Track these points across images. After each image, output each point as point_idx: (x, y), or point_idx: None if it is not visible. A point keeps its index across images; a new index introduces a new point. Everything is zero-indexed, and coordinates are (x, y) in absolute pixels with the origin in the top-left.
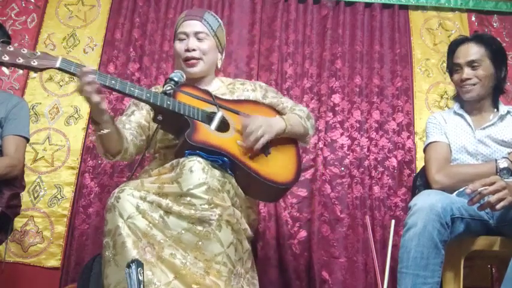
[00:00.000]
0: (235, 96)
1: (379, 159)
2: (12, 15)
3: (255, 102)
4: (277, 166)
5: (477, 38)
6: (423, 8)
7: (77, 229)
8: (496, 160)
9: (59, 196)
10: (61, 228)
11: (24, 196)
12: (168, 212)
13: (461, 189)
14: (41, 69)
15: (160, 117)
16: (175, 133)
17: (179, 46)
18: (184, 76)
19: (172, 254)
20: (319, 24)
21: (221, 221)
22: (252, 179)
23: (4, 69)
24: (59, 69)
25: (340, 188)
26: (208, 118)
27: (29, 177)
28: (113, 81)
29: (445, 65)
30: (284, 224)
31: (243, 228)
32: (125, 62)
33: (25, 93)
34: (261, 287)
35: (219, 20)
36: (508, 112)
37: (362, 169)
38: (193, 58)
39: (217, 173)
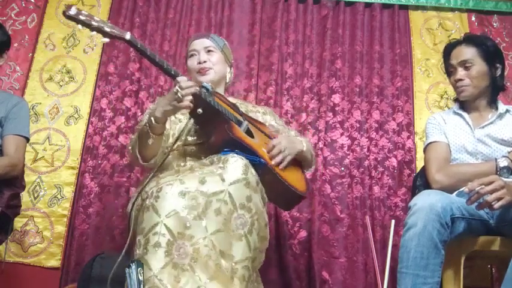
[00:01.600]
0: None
1: (379, 159)
2: (12, 15)
3: (266, 126)
4: (294, 177)
5: (468, 39)
6: (423, 8)
7: (77, 229)
8: (495, 159)
9: (59, 196)
10: (61, 228)
11: (24, 196)
12: (206, 208)
13: (461, 189)
14: (112, 36)
15: (200, 111)
16: (208, 129)
17: (191, 62)
18: (213, 88)
19: (207, 255)
20: (319, 24)
21: (253, 227)
22: (277, 184)
23: (79, 26)
24: (129, 42)
25: (340, 188)
26: (238, 123)
27: (29, 177)
28: (169, 67)
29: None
30: (284, 224)
31: (266, 236)
32: (125, 62)
33: (25, 93)
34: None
35: (224, 40)
36: (507, 111)
37: (362, 169)
38: (204, 68)
39: (253, 171)
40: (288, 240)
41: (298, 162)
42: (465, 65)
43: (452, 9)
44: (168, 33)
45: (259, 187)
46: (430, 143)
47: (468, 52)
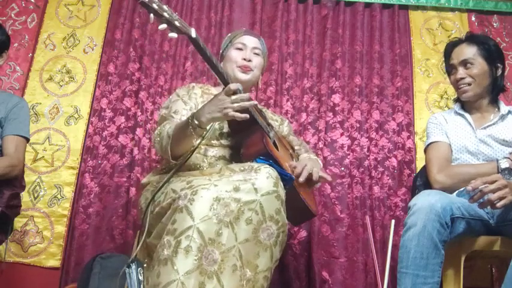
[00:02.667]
0: None
1: (379, 159)
2: (12, 15)
3: (284, 137)
4: (309, 196)
5: (469, 38)
6: (423, 8)
7: (77, 229)
8: (497, 160)
9: (59, 196)
10: (61, 228)
11: (24, 196)
12: (238, 216)
13: (461, 189)
14: (180, 32)
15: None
16: (242, 136)
17: (236, 54)
18: (241, 89)
19: (234, 265)
20: (319, 24)
21: (278, 238)
22: (297, 201)
23: (151, 16)
24: (193, 40)
25: (340, 188)
26: (268, 133)
27: (29, 177)
28: (222, 71)
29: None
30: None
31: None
32: (125, 62)
33: (25, 93)
34: None
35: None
36: (509, 112)
37: (362, 169)
38: (248, 66)
39: (282, 185)
40: (288, 240)
41: (309, 182)
42: (466, 64)
43: (452, 9)
44: (168, 33)
45: (284, 201)
46: (431, 142)
47: (469, 51)
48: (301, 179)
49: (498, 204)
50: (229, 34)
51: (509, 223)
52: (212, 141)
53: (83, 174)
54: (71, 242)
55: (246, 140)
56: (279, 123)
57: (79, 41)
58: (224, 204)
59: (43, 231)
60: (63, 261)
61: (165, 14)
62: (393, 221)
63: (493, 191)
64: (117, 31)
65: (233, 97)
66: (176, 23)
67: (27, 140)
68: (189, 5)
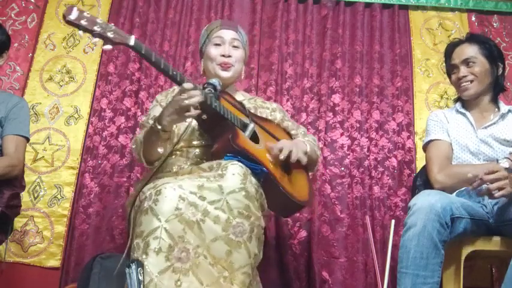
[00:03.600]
0: (258, 113)
1: (379, 159)
2: (12, 15)
3: (274, 123)
4: (296, 185)
5: (470, 38)
6: (423, 8)
7: (77, 229)
8: (497, 160)
9: (59, 196)
10: (61, 228)
11: (24, 196)
12: (205, 214)
13: (461, 189)
14: (115, 43)
15: (205, 117)
16: (213, 134)
17: (215, 51)
18: (221, 84)
19: (204, 263)
20: (319, 24)
21: (252, 233)
22: (278, 192)
23: (80, 32)
24: (132, 47)
25: (340, 188)
26: (244, 127)
27: (29, 177)
28: (174, 72)
29: (445, 65)
30: (284, 224)
31: (263, 240)
32: (125, 62)
33: (25, 93)
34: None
35: (246, 35)
36: (509, 111)
37: (362, 169)
38: (228, 63)
39: (253, 180)
40: (288, 240)
41: (304, 169)
42: (468, 62)
43: (452, 9)
44: (168, 33)
45: (258, 194)
46: (432, 140)
47: (471, 50)
48: (281, 157)
49: (496, 195)
50: (206, 27)
51: (509, 223)
52: (193, 142)
53: (83, 174)
54: (71, 242)
55: (216, 138)
56: (270, 111)
57: (79, 41)
58: (189, 204)
59: (43, 231)
60: (63, 261)
61: (96, 28)
62: (393, 221)
63: (492, 181)
64: None
65: (180, 96)
66: (109, 34)
67: (27, 139)
68: (189, 5)
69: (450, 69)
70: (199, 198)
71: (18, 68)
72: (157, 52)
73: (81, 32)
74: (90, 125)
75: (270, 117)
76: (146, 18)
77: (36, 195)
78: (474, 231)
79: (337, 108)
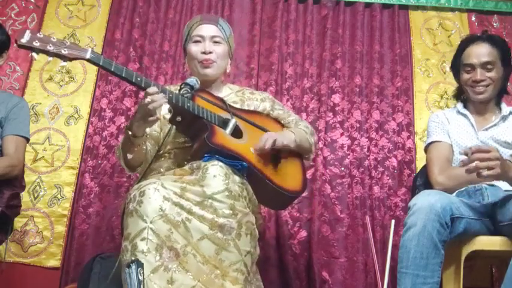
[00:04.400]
0: (246, 105)
1: (379, 159)
2: (12, 15)
3: (263, 114)
4: (287, 176)
5: (490, 38)
6: (423, 8)
7: (77, 229)
8: None
9: (59, 196)
10: (61, 228)
11: (24, 196)
12: (190, 214)
13: (461, 190)
14: (71, 59)
15: (179, 118)
16: (190, 135)
17: (195, 49)
18: (199, 82)
19: (194, 260)
20: (319, 24)
21: (241, 230)
22: (265, 186)
23: (34, 54)
24: (89, 60)
25: (340, 188)
26: (224, 124)
27: (29, 177)
28: (139, 79)
29: (445, 65)
30: (284, 224)
31: (257, 234)
32: (125, 62)
33: (25, 93)
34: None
35: (230, 27)
36: (511, 113)
37: (362, 169)
38: (209, 60)
39: (237, 178)
40: (288, 240)
41: (298, 158)
42: (487, 66)
43: (452, 9)
44: (168, 33)
45: (244, 191)
46: (433, 142)
47: (491, 53)
48: (266, 146)
49: (484, 173)
50: (187, 24)
51: (509, 223)
52: (179, 144)
53: (83, 174)
54: (71, 242)
55: (193, 138)
56: (259, 101)
57: (79, 41)
58: (174, 203)
59: (43, 231)
60: (63, 261)
61: (50, 47)
62: (393, 221)
63: (483, 160)
64: (117, 31)
65: (146, 101)
66: (64, 52)
67: (27, 140)
68: (189, 5)
69: (464, 67)
70: (184, 199)
71: (18, 68)
72: (157, 51)
73: (34, 54)
74: (90, 125)
75: (259, 109)
76: (146, 18)
77: (36, 195)
78: (474, 231)
79: (337, 108)
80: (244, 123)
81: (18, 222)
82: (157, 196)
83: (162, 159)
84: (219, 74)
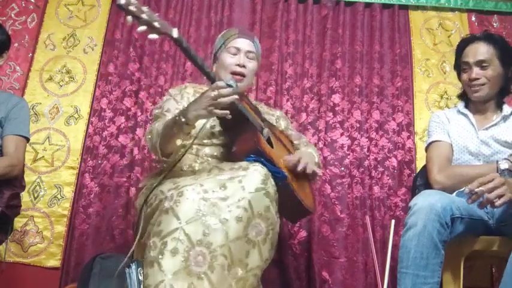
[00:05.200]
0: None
1: (379, 159)
2: (12, 15)
3: (280, 131)
4: (306, 193)
5: (487, 37)
6: (423, 8)
7: (77, 229)
8: (497, 161)
9: (59, 196)
10: (61, 228)
11: (24, 196)
12: (226, 214)
13: (461, 189)
14: (160, 33)
15: (229, 116)
16: (232, 134)
17: (230, 60)
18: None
19: (223, 265)
20: (319, 24)
21: (267, 236)
22: (291, 198)
23: (129, 18)
24: (175, 40)
25: (340, 188)
26: (261, 130)
27: (29, 177)
28: (208, 70)
29: (445, 65)
30: (284, 224)
31: (275, 246)
32: (125, 62)
33: (25, 93)
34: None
35: (260, 47)
36: None
37: (362, 169)
38: (241, 74)
39: (273, 182)
40: (288, 240)
41: (306, 177)
42: (482, 64)
43: (452, 9)
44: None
45: (275, 198)
46: (433, 142)
47: (486, 51)
48: (299, 168)
49: (497, 203)
50: (223, 33)
51: (509, 223)
52: (204, 141)
53: (83, 174)
54: (71, 242)
55: (237, 138)
56: (276, 118)
57: (79, 41)
58: (211, 204)
59: (43, 231)
60: (63, 261)
61: (144, 16)
62: (393, 221)
63: (490, 190)
64: (117, 31)
65: (212, 93)
66: (156, 24)
67: (27, 140)
68: (189, 5)
69: (461, 66)
70: (221, 199)
71: (18, 68)
72: (157, 51)
73: (129, 18)
74: (90, 125)
75: (275, 124)
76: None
77: (36, 195)
78: (474, 231)
79: (337, 108)
80: (272, 135)
81: (18, 222)
82: (195, 197)
83: (187, 154)
84: (246, 88)
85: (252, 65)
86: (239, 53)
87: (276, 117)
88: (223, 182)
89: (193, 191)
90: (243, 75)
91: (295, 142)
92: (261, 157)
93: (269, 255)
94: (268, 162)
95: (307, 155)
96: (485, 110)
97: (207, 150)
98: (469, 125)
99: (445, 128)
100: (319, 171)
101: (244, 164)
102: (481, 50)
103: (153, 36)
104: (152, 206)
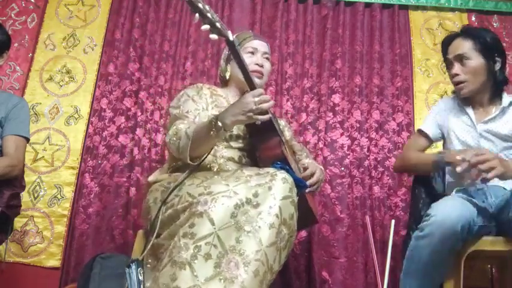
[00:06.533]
0: None
1: (379, 159)
2: (12, 15)
3: (287, 141)
4: (313, 203)
5: (465, 32)
6: (423, 8)
7: (77, 229)
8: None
9: (59, 196)
10: (61, 228)
11: (24, 196)
12: (260, 221)
13: (461, 188)
14: (220, 34)
15: (259, 122)
16: (257, 140)
17: (249, 59)
18: None
19: (257, 271)
20: (319, 24)
21: (287, 243)
22: (305, 208)
23: (197, 15)
24: (229, 43)
25: (340, 188)
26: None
27: (29, 177)
28: (250, 75)
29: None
30: None
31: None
32: (125, 62)
33: (25, 93)
34: None
35: None
36: (511, 103)
37: (362, 169)
38: (261, 72)
39: (296, 191)
40: None
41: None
42: (461, 59)
43: (452, 9)
44: (168, 33)
45: (297, 206)
46: (419, 129)
47: (464, 46)
48: (311, 188)
49: (489, 175)
50: (237, 35)
51: (509, 223)
52: (222, 143)
53: (83, 174)
54: (71, 242)
55: (262, 144)
56: (282, 128)
57: (79, 41)
58: (244, 212)
59: (43, 231)
60: (63, 261)
61: (209, 15)
62: (393, 221)
63: (483, 162)
64: (117, 31)
65: (256, 99)
66: (218, 24)
67: (27, 140)
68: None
69: (446, 64)
70: (253, 206)
71: (18, 68)
72: (157, 51)
73: (197, 15)
74: (90, 125)
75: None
76: (146, 18)
77: (36, 195)
78: (482, 234)
79: (337, 108)
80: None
81: (18, 222)
82: (230, 203)
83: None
84: (262, 87)
85: (268, 65)
86: (257, 53)
87: (282, 126)
88: (255, 189)
89: (229, 198)
90: (262, 73)
91: (298, 153)
92: (286, 165)
93: (285, 260)
94: (291, 170)
95: (320, 171)
96: (481, 103)
97: (224, 152)
98: (468, 119)
99: (437, 120)
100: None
101: (271, 170)
102: (459, 45)
103: (213, 36)
104: (176, 207)
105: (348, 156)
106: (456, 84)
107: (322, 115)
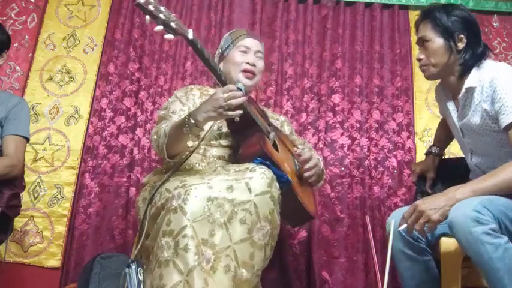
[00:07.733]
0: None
1: (379, 159)
2: (12, 15)
3: (286, 136)
4: (309, 199)
5: (423, 13)
6: (423, 8)
7: (77, 229)
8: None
9: (59, 196)
10: (61, 228)
11: (24, 196)
12: (232, 216)
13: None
14: (176, 33)
15: (237, 119)
16: (239, 137)
17: (240, 58)
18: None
19: (228, 266)
20: (319, 24)
21: (271, 239)
22: (295, 203)
23: (147, 17)
24: (190, 41)
25: (340, 188)
26: (267, 134)
27: (29, 177)
28: (219, 72)
29: None
30: (284, 224)
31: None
32: (125, 62)
33: (25, 93)
34: (261, 286)
35: None
36: (467, 90)
37: (362, 169)
38: (252, 72)
39: (277, 186)
40: (288, 240)
41: (309, 183)
42: (423, 42)
43: None
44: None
45: (279, 201)
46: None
47: (425, 28)
48: (306, 175)
49: (427, 231)
50: (230, 33)
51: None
52: (211, 142)
53: (83, 174)
54: (71, 242)
55: (244, 141)
56: (280, 123)
57: (79, 41)
58: (218, 205)
59: (43, 231)
60: (63, 261)
61: (161, 16)
62: (393, 221)
63: (415, 220)
64: (117, 31)
65: (225, 95)
66: (173, 24)
67: (27, 140)
68: (189, 5)
69: None
70: (228, 200)
71: (18, 68)
72: (157, 51)
73: (147, 17)
74: (90, 125)
75: (280, 129)
76: None
77: (36, 195)
78: None
79: (337, 108)
80: (278, 139)
81: (18, 222)
82: (202, 196)
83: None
84: (253, 88)
85: (261, 64)
86: (249, 51)
87: (281, 122)
88: (230, 183)
89: (201, 190)
90: (253, 73)
91: (299, 147)
92: (267, 160)
93: (270, 253)
94: (273, 165)
95: (316, 158)
96: (453, 90)
97: (214, 151)
98: (450, 115)
99: (442, 104)
100: (324, 177)
101: (250, 165)
102: (421, 28)
103: (169, 36)
104: (157, 205)
105: (348, 156)
106: (420, 68)
107: (322, 115)
